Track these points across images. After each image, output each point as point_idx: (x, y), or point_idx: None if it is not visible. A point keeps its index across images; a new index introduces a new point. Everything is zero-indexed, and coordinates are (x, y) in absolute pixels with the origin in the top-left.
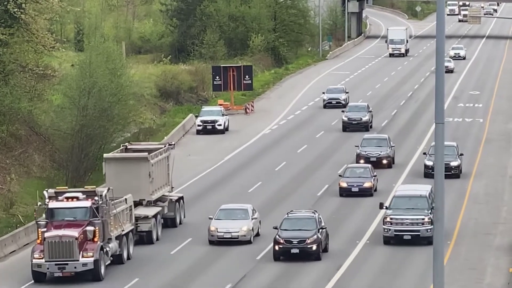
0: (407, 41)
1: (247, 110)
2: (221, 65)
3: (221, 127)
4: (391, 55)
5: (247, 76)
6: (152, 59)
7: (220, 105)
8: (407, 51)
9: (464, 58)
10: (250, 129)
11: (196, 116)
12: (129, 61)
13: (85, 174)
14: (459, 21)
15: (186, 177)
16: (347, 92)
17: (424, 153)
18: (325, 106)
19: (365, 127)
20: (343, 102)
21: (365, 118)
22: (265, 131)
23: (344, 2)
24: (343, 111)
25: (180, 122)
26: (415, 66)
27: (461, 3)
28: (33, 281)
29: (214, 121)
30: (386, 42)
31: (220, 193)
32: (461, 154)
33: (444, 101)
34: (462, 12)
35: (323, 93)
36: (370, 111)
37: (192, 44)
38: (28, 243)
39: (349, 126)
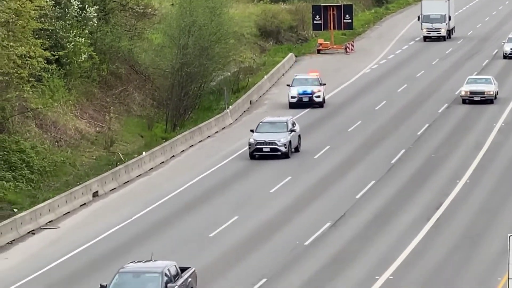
0: (449, 18)
1: (347, 49)
2: (321, 4)
3: (320, 99)
4: (426, 38)
5: (347, 15)
6: None
7: (314, 73)
8: (450, 31)
9: None
10: (350, 69)
11: (288, 86)
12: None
13: (185, 112)
14: None
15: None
16: None
17: None
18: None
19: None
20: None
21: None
22: (365, 70)
23: None
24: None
25: (280, 61)
26: None
27: None
28: (131, 219)
29: (313, 92)
30: (418, 19)
31: (320, 131)
32: None
33: None
34: None
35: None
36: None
37: None
38: (128, 181)
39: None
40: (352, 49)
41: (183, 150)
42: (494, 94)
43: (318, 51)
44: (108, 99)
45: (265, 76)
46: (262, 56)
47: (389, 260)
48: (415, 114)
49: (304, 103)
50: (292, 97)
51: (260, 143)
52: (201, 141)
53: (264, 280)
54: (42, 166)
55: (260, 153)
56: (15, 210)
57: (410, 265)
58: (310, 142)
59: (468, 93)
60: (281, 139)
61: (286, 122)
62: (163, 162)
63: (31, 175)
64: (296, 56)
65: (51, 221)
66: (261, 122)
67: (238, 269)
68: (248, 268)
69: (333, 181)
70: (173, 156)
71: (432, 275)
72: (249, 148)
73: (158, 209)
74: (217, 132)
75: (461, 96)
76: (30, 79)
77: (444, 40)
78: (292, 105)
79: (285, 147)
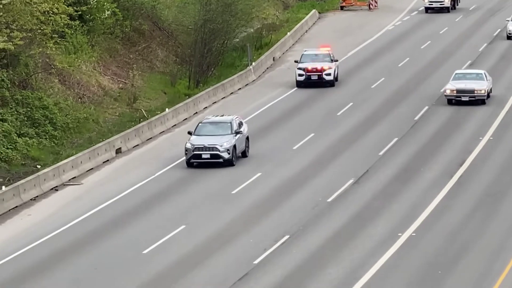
0: None
1: (371, 6)
2: None
3: (331, 77)
4: (427, 9)
5: None
6: None
7: (325, 47)
8: (455, 2)
9: None
10: (373, 26)
11: (296, 62)
12: None
13: (208, 69)
14: None
15: None
16: None
17: None
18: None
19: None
20: None
21: None
22: (389, 27)
23: None
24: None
25: (303, 18)
26: None
27: None
28: (153, 176)
29: (323, 69)
30: None
31: (343, 88)
32: None
33: None
34: None
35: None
36: None
37: None
38: (151, 138)
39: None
40: (375, 6)
41: (206, 107)
42: (486, 94)
43: (342, 8)
44: (131, 56)
45: (288, 33)
46: (285, 12)
47: (412, 217)
48: (438, 71)
49: (313, 81)
50: (300, 75)
51: (199, 148)
52: (224, 97)
53: (286, 236)
54: (65, 123)
55: (198, 161)
56: (39, 166)
57: (432, 223)
58: (333, 99)
59: (455, 92)
60: (224, 143)
61: (231, 123)
62: (186, 119)
63: (54, 131)
64: (319, 12)
65: (74, 177)
66: (200, 122)
67: (260, 225)
68: (270, 225)
69: (356, 138)
70: (196, 112)
71: (454, 232)
72: (186, 154)
73: (181, 165)
74: (240, 88)
75: (445, 95)
76: (53, 35)
77: (448, 11)
78: (299, 84)
79: (229, 153)
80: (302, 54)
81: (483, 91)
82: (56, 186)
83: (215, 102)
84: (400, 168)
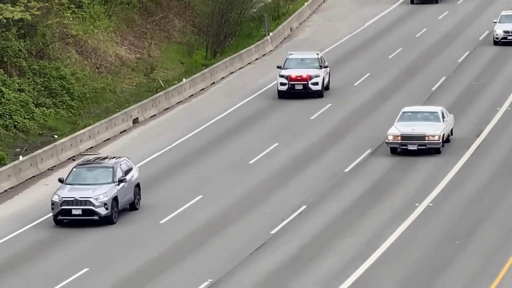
0: None
1: None
2: None
3: (318, 87)
4: (412, 1)
5: None
6: None
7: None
8: None
9: None
10: None
11: (279, 68)
12: None
13: (225, 39)
14: None
15: (326, 43)
16: None
17: None
18: None
19: None
20: None
21: None
22: None
23: None
24: None
25: None
26: None
27: None
28: (171, 146)
29: (309, 77)
30: None
31: (359, 58)
32: None
33: None
34: None
35: None
36: None
37: None
38: (168, 108)
39: None
40: None
41: (223, 77)
42: (440, 140)
43: None
44: (148, 26)
45: (306, 3)
46: None
47: (429, 188)
48: (455, 42)
49: (297, 91)
50: (282, 84)
51: (68, 202)
52: (241, 68)
53: (304, 207)
54: (82, 93)
55: (68, 218)
56: (56, 136)
57: (450, 193)
58: (349, 70)
59: (399, 138)
60: (101, 195)
61: (113, 168)
62: (203, 89)
63: (72, 101)
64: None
65: (91, 147)
66: (74, 167)
67: (277, 196)
68: (288, 195)
69: (373, 108)
70: (213, 83)
71: (472, 203)
72: (52, 209)
73: (198, 135)
74: (257, 59)
75: (387, 142)
76: (70, 5)
77: (437, 2)
78: (281, 95)
79: (106, 208)
80: (286, 59)
81: (436, 138)
82: (73, 156)
83: (232, 72)
84: None
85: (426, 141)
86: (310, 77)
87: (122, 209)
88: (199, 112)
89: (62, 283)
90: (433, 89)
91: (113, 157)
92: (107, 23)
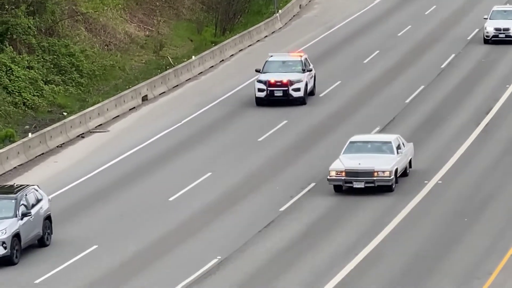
0: None
1: None
2: None
3: (300, 94)
4: None
5: None
6: None
7: (297, 53)
8: None
9: None
10: None
11: (258, 71)
12: None
13: (235, 16)
14: None
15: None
16: None
17: None
18: None
19: None
20: None
21: None
22: None
23: None
24: None
25: None
26: None
27: None
28: (180, 123)
29: (290, 82)
30: None
31: (368, 35)
32: None
33: None
34: None
35: None
36: None
37: None
38: (177, 85)
39: None
40: None
41: (232, 54)
42: (392, 177)
43: None
44: (157, 3)
45: None
46: None
47: (438, 165)
48: (465, 19)
49: (276, 98)
50: (260, 90)
51: None
52: (250, 45)
53: (313, 184)
54: (91, 70)
55: None
56: (65, 113)
57: (459, 170)
58: (358, 46)
59: (343, 174)
60: None
61: (16, 200)
62: (213, 66)
63: (81, 78)
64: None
65: (101, 124)
66: None
67: (286, 173)
68: (297, 172)
69: (382, 85)
70: (223, 60)
71: (481, 179)
72: None
73: (207, 112)
74: (266, 36)
75: (328, 179)
76: None
77: None
78: (259, 101)
79: (5, 247)
80: (266, 61)
81: (387, 173)
82: (83, 133)
83: (242, 49)
84: (426, 115)
85: (374, 178)
86: (291, 83)
87: (28, 246)
88: (208, 90)
89: None
90: (443, 66)
91: (19, 186)
92: (117, 0)
